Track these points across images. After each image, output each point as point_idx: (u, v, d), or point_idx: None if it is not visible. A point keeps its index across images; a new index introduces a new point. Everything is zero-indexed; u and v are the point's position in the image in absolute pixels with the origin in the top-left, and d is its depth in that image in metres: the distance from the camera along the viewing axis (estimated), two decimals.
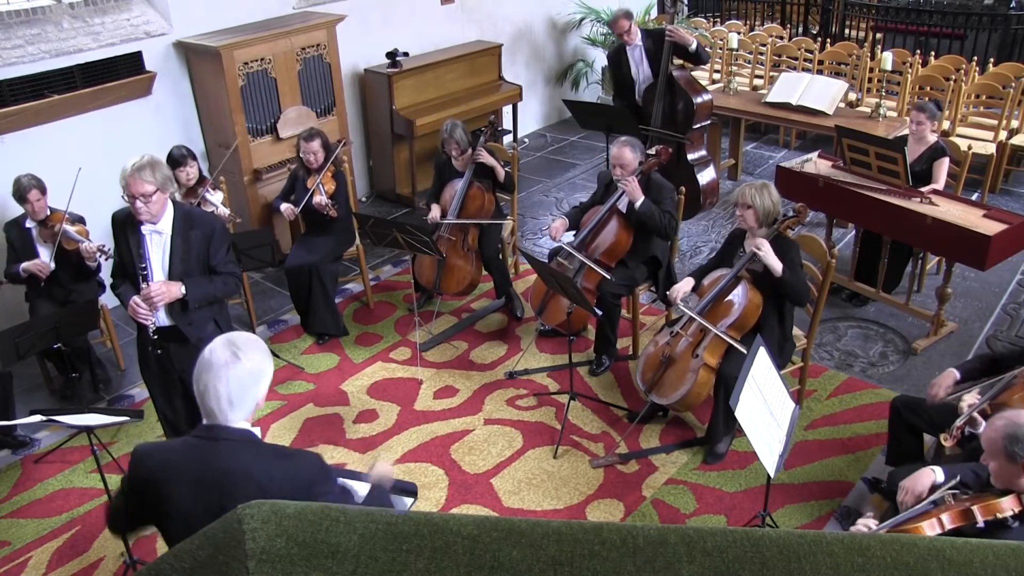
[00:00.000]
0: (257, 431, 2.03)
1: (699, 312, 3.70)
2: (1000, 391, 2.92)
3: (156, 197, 3.05)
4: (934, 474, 2.64)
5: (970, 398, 2.96)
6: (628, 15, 5.65)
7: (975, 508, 2.38)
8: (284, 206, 4.84)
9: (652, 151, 4.31)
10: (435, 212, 4.88)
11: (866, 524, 2.57)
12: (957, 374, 3.18)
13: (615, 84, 6.03)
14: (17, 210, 4.33)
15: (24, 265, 4.23)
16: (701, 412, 4.03)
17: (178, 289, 3.15)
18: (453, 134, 4.76)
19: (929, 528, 2.39)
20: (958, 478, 2.55)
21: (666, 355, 3.80)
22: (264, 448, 1.99)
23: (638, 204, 4.16)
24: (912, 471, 2.99)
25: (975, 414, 2.84)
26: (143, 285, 3.14)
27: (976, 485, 2.57)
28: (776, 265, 3.53)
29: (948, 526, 2.39)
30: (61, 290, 4.37)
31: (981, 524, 2.37)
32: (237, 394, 1.93)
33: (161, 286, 3.12)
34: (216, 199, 4.68)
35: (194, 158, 4.69)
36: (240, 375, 1.93)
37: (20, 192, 4.17)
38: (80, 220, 4.37)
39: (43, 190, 4.22)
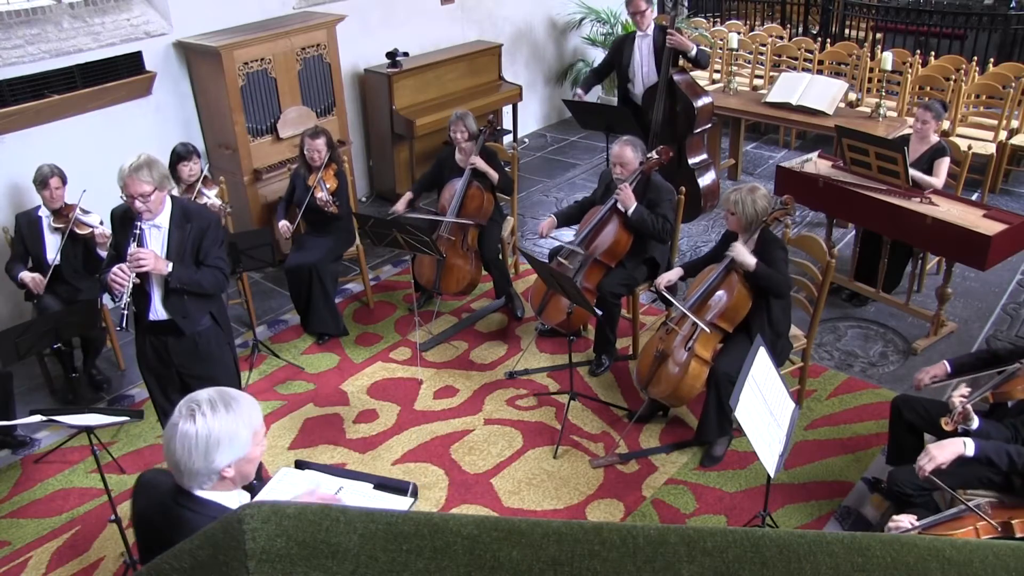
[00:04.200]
0: (231, 501, 1.81)
1: (690, 307, 3.72)
2: (1003, 381, 2.92)
3: (155, 196, 3.06)
4: (964, 447, 2.59)
5: (959, 391, 2.97)
6: None
7: (1016, 523, 2.31)
8: (282, 224, 4.85)
9: (653, 153, 4.31)
10: (399, 205, 4.96)
11: (898, 525, 2.49)
12: (948, 367, 3.21)
13: (603, 66, 5.91)
14: (24, 205, 4.35)
15: (23, 274, 4.26)
16: (699, 410, 4.02)
17: (164, 265, 3.13)
18: (464, 119, 4.84)
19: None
20: (1015, 460, 2.48)
21: (660, 350, 3.82)
22: None
23: (630, 212, 4.17)
24: (912, 471, 2.99)
25: (969, 408, 2.84)
26: (132, 247, 3.09)
27: (1010, 468, 2.51)
28: (748, 260, 3.58)
29: (984, 538, 2.33)
30: (66, 287, 4.38)
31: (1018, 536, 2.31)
32: (184, 459, 1.73)
33: (150, 252, 3.10)
34: (211, 193, 4.69)
35: (199, 155, 4.72)
36: (191, 437, 1.71)
37: (42, 178, 4.24)
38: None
39: (64, 180, 4.30)
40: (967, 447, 2.59)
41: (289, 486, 2.18)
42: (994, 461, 2.56)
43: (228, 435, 1.74)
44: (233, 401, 1.78)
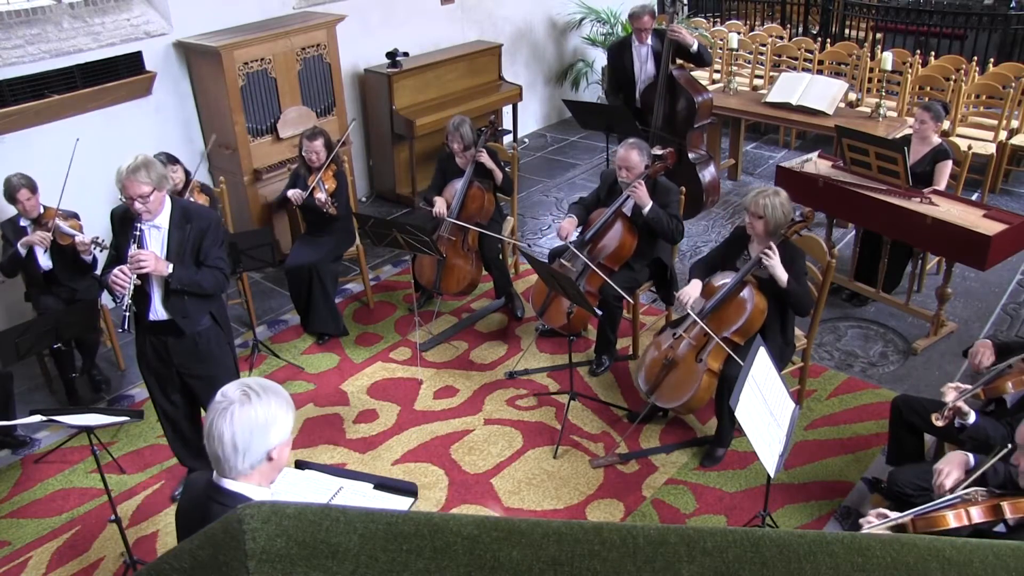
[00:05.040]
0: (258, 496, 1.83)
1: (703, 316, 3.68)
2: (994, 378, 2.93)
3: (153, 196, 3.07)
4: (968, 457, 2.66)
5: (952, 387, 2.97)
6: (654, 14, 5.65)
7: (1005, 504, 2.34)
8: (292, 192, 4.83)
9: (658, 151, 4.30)
10: (440, 206, 4.85)
11: (869, 520, 2.53)
12: (991, 343, 3.17)
13: (612, 79, 6.00)
14: (13, 210, 4.33)
15: (25, 239, 4.17)
16: (701, 412, 4.02)
17: (165, 266, 3.14)
18: (460, 128, 4.79)
19: (955, 520, 2.37)
20: (998, 472, 2.53)
21: (669, 358, 3.79)
22: None
23: (646, 210, 4.14)
24: (912, 471, 3.00)
25: (962, 404, 2.84)
26: (132, 248, 3.10)
27: (994, 481, 2.56)
28: (782, 275, 3.50)
29: (975, 520, 2.36)
30: (64, 288, 4.38)
31: (1009, 520, 2.34)
32: (243, 439, 1.77)
33: (151, 253, 3.11)
34: (200, 202, 4.57)
35: (177, 162, 4.62)
36: (249, 417, 1.78)
37: (10, 192, 4.16)
38: (74, 216, 4.37)
39: (33, 189, 4.20)
40: (970, 459, 2.66)
41: (289, 486, 2.18)
42: (987, 474, 2.61)
43: (279, 415, 1.82)
44: (273, 386, 1.86)
